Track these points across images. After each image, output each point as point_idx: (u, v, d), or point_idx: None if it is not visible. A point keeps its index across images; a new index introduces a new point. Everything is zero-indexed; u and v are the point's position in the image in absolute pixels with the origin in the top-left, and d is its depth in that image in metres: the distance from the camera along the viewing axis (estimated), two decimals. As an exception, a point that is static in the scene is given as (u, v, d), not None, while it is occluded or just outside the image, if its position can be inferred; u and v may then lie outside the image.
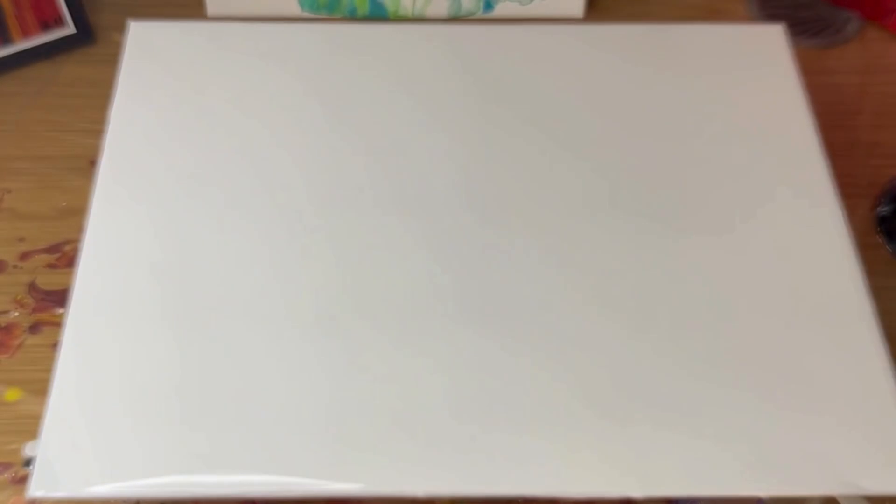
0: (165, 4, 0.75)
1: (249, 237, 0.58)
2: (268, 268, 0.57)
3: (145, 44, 0.68)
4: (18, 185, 0.67)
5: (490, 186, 0.61)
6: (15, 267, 0.63)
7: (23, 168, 0.68)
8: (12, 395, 0.57)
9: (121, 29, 0.70)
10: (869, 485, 0.50)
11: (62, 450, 0.50)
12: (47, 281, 0.62)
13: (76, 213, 0.65)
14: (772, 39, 0.69)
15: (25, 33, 0.73)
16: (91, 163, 0.67)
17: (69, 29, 0.74)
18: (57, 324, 0.60)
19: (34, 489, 0.49)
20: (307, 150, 0.63)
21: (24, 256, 0.63)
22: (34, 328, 0.60)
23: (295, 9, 0.75)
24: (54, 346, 0.58)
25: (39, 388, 0.56)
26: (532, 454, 0.51)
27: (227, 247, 0.58)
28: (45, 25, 0.73)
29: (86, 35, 0.74)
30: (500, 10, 0.75)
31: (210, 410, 0.52)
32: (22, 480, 0.54)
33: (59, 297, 0.61)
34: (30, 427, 0.56)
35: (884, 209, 0.65)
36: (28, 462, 0.54)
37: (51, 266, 0.63)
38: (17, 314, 0.60)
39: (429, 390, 0.50)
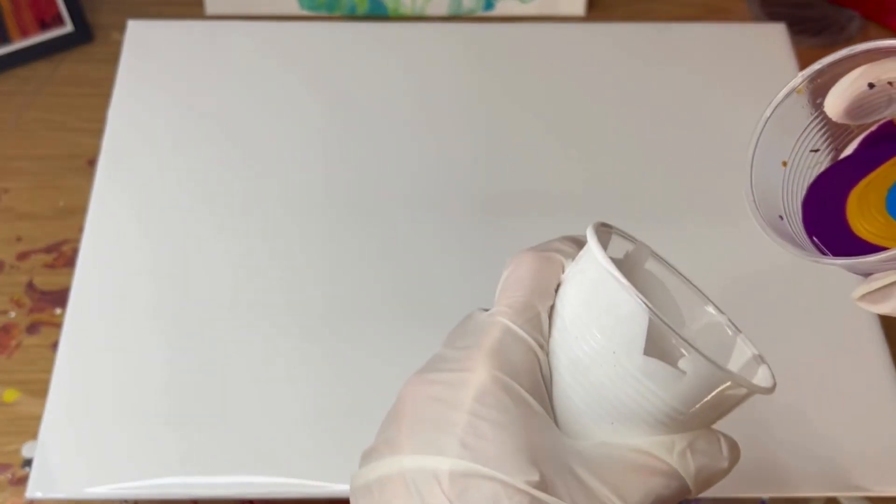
0: (164, 3, 0.75)
1: (248, 237, 0.58)
2: (266, 268, 0.57)
3: (144, 43, 0.68)
4: (16, 185, 0.66)
5: (492, 184, 0.61)
6: (12, 267, 0.62)
7: (21, 167, 0.67)
8: (10, 395, 0.57)
9: (120, 28, 0.70)
10: (870, 486, 0.50)
11: (60, 451, 0.50)
12: (45, 281, 0.62)
13: (74, 212, 0.64)
14: (773, 38, 0.69)
15: (24, 32, 0.72)
16: (89, 162, 0.67)
17: (68, 28, 0.73)
18: (55, 324, 0.60)
19: (32, 490, 0.49)
20: (307, 149, 0.63)
21: (22, 256, 0.63)
22: (32, 328, 0.60)
23: (294, 7, 0.75)
24: (52, 346, 0.57)
25: (37, 388, 0.56)
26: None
27: (225, 247, 0.58)
28: (44, 24, 0.73)
29: (84, 34, 0.74)
30: (500, 8, 0.75)
31: (208, 411, 0.52)
32: (20, 481, 0.54)
33: (57, 298, 0.61)
34: (28, 428, 0.55)
35: (886, 209, 0.65)
36: (26, 463, 0.54)
37: (49, 266, 0.62)
38: (14, 314, 0.60)
39: (429, 391, 0.50)
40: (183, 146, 0.62)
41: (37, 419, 0.51)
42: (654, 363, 0.30)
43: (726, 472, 0.33)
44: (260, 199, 0.60)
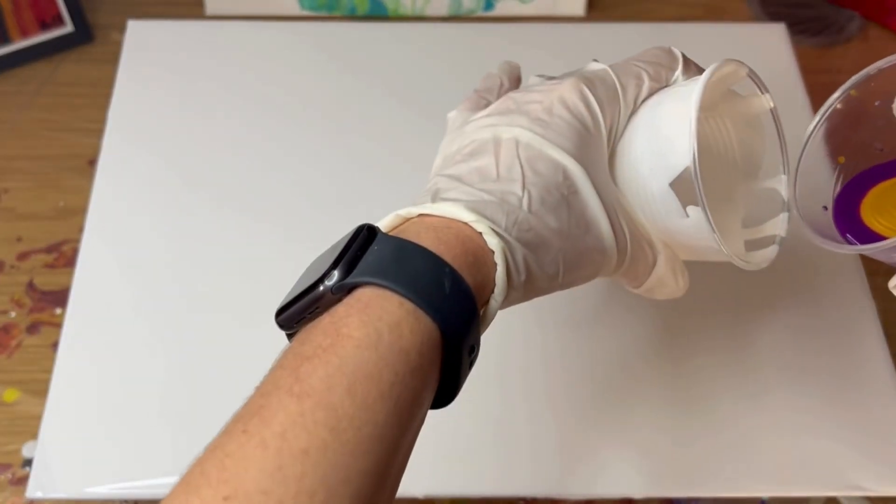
0: (164, 3, 0.75)
1: (248, 236, 0.58)
2: (266, 268, 0.57)
3: (144, 43, 0.68)
4: (16, 185, 0.66)
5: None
6: (13, 267, 0.62)
7: (21, 167, 0.67)
8: (10, 395, 0.57)
9: (120, 28, 0.70)
10: (870, 486, 0.50)
11: (60, 451, 0.50)
12: (45, 281, 0.62)
13: (74, 212, 0.64)
14: (773, 38, 0.69)
15: (24, 32, 0.72)
16: (90, 162, 0.67)
17: (68, 28, 0.73)
18: (55, 324, 0.60)
19: (32, 490, 0.49)
20: (307, 149, 0.63)
21: (22, 256, 0.63)
22: (32, 328, 0.60)
23: (294, 7, 0.75)
24: (52, 346, 0.57)
25: (38, 388, 0.56)
26: (532, 454, 0.50)
27: (226, 246, 0.58)
28: (44, 24, 0.73)
29: (84, 34, 0.74)
30: (500, 8, 0.75)
31: (209, 411, 0.52)
32: (20, 481, 0.54)
33: (58, 298, 0.61)
34: (28, 428, 0.55)
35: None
36: (26, 463, 0.54)
37: (49, 266, 0.62)
38: (14, 314, 0.60)
39: (429, 391, 0.50)
40: (183, 146, 0.62)
41: (37, 419, 0.51)
42: (670, 196, 0.35)
43: (671, 294, 0.40)
44: (260, 198, 0.60)
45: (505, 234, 0.33)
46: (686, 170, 0.34)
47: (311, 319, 0.32)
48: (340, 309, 0.31)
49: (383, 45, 0.69)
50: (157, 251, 0.57)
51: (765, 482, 0.50)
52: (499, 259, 0.33)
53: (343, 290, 0.31)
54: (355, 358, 0.29)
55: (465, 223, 0.33)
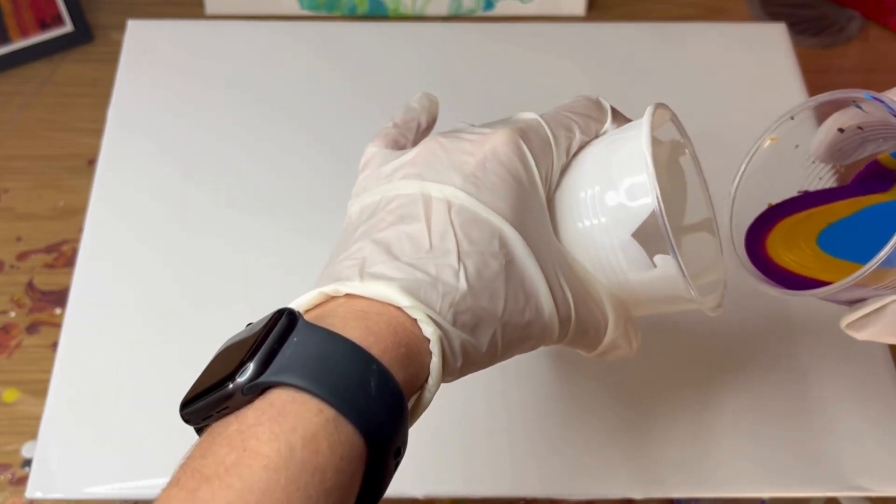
0: (164, 3, 0.75)
1: (248, 237, 0.58)
2: (266, 268, 0.57)
3: (144, 43, 0.68)
4: (16, 185, 0.67)
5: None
6: (12, 267, 0.63)
7: (21, 167, 0.67)
8: (10, 395, 0.57)
9: (119, 28, 0.70)
10: (870, 486, 0.50)
11: (60, 451, 0.50)
12: (45, 281, 0.62)
13: (74, 212, 0.64)
14: (773, 38, 0.69)
15: (24, 32, 0.72)
16: (89, 162, 0.67)
17: (67, 28, 0.73)
18: (55, 324, 0.60)
19: (32, 490, 0.49)
20: (307, 149, 0.63)
21: (22, 256, 0.63)
22: (32, 328, 0.60)
23: (294, 7, 0.75)
24: (52, 346, 0.58)
25: (37, 388, 0.56)
26: (532, 455, 0.50)
27: (226, 246, 0.58)
28: (44, 24, 0.73)
29: (84, 34, 0.74)
30: (500, 8, 0.75)
31: (209, 411, 0.52)
32: (20, 481, 0.54)
33: (57, 298, 0.61)
34: (28, 428, 0.55)
35: (885, 209, 0.65)
36: (26, 463, 0.54)
37: (48, 266, 0.63)
38: (14, 314, 0.60)
39: (429, 391, 0.50)
40: (182, 146, 0.62)
41: (37, 419, 0.51)
42: (633, 247, 0.33)
43: (623, 357, 0.37)
44: (260, 198, 0.60)
45: (441, 321, 0.30)
46: (651, 215, 0.33)
47: (220, 418, 0.29)
48: (250, 414, 0.27)
49: (383, 45, 0.69)
50: (157, 251, 0.57)
51: (765, 482, 0.50)
52: (434, 349, 0.30)
53: (256, 390, 0.28)
54: (262, 482, 0.26)
55: (399, 308, 0.30)
